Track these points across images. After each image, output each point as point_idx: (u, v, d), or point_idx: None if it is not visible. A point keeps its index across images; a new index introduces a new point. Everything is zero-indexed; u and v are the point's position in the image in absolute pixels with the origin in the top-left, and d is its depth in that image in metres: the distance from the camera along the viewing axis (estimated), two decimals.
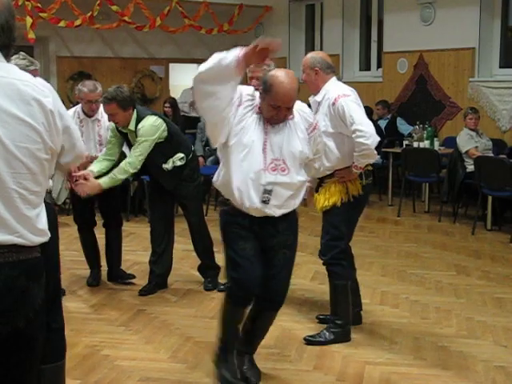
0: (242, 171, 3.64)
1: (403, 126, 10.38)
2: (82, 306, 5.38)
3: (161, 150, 5.40)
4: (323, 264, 4.67)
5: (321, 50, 12.54)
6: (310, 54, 4.65)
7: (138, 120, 5.34)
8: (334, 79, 4.54)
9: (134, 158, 5.25)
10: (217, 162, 9.09)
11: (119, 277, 5.99)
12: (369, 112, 10.60)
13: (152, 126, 5.31)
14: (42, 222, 2.31)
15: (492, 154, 8.43)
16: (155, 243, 5.75)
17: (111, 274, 6.01)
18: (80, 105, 5.92)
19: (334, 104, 4.35)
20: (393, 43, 10.95)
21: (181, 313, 5.22)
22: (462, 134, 8.41)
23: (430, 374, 4.11)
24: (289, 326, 4.87)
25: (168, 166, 5.47)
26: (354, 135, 4.28)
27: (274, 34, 13.18)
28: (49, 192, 3.12)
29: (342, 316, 4.61)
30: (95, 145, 5.83)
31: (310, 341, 4.61)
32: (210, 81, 3.44)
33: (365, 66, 12.13)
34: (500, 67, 9.81)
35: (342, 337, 4.60)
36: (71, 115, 5.72)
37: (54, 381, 3.16)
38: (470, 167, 8.21)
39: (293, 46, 12.84)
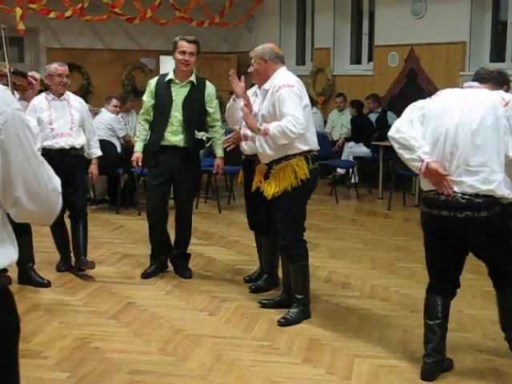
0: None
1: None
2: (71, 298, 5.36)
3: (204, 117, 5.78)
4: (282, 247, 4.85)
5: (312, 43, 12.58)
6: (261, 46, 4.93)
7: (197, 76, 5.73)
8: (283, 69, 4.83)
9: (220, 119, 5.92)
10: (208, 155, 9.10)
11: (84, 261, 5.88)
12: (359, 105, 10.60)
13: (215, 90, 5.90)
14: None
15: None
16: (159, 232, 5.88)
17: (77, 261, 5.93)
18: (45, 92, 5.81)
19: (277, 91, 4.61)
20: (384, 37, 10.94)
21: (170, 306, 5.21)
22: None
23: (420, 367, 4.11)
24: (278, 318, 4.86)
25: (200, 134, 5.71)
26: (285, 119, 4.49)
27: (265, 27, 13.19)
28: None
29: (304, 293, 4.85)
30: (66, 123, 5.80)
31: (282, 322, 4.78)
32: None
33: (356, 59, 12.13)
34: (491, 61, 9.81)
35: (306, 314, 4.87)
36: (37, 103, 5.68)
37: None
38: None
39: (284, 39, 12.82)
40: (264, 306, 5.12)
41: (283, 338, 4.56)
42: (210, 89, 5.77)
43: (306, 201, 4.88)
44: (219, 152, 5.93)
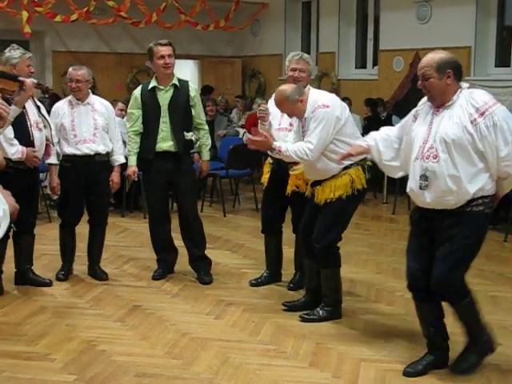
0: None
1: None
2: (78, 301, 5.37)
3: (190, 118, 5.76)
4: (317, 251, 4.84)
5: (317, 47, 12.60)
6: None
7: (179, 79, 5.72)
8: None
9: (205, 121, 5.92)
10: (213, 158, 9.12)
11: (100, 273, 5.97)
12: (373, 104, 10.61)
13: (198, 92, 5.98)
14: None
15: None
16: (162, 237, 5.95)
17: (92, 270, 6.00)
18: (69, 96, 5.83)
19: (313, 112, 4.70)
20: (389, 41, 10.97)
21: (177, 309, 5.22)
22: None
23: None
24: (285, 322, 4.88)
25: (189, 135, 5.70)
26: (303, 144, 4.66)
27: (270, 31, 13.22)
28: None
29: (333, 297, 4.96)
30: (89, 128, 5.70)
31: (304, 318, 4.92)
32: None
33: (361, 63, 12.16)
34: (495, 66, 9.84)
35: (334, 314, 4.96)
36: (59, 109, 5.73)
37: None
38: None
39: (289, 44, 12.85)
40: (290, 309, 5.12)
41: (289, 341, 4.56)
42: (193, 92, 5.75)
43: (354, 211, 4.97)
44: (205, 155, 5.94)
